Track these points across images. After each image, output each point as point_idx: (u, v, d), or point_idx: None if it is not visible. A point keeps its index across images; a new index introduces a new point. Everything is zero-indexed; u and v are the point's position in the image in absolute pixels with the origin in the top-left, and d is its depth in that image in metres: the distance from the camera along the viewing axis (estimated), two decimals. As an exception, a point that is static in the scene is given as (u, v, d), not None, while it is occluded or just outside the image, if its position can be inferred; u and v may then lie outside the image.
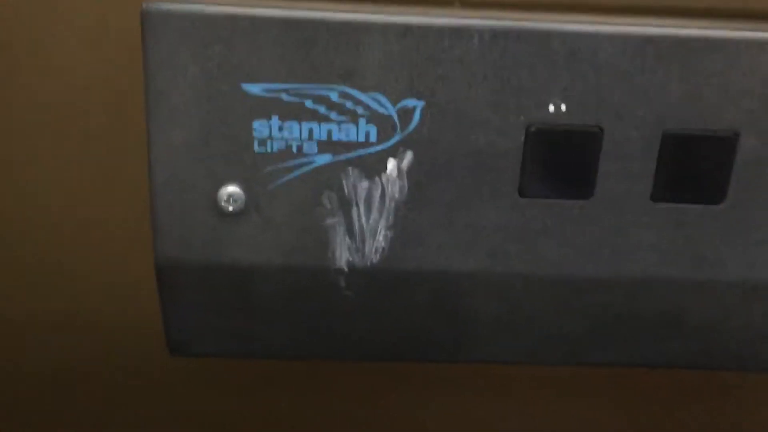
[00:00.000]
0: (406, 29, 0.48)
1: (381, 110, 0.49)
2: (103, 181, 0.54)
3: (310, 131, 0.49)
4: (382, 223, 0.51)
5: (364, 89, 0.49)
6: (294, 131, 0.49)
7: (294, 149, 0.49)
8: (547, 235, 0.51)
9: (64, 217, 0.56)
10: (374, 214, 0.50)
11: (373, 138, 0.49)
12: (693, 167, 0.50)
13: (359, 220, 0.51)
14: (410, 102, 0.49)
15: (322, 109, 0.49)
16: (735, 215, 0.51)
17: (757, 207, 0.51)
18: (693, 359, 0.56)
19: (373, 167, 0.50)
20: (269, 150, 0.49)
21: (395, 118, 0.49)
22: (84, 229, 0.57)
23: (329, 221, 0.51)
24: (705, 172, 0.51)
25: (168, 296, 0.52)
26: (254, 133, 0.49)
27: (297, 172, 0.50)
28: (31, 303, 0.61)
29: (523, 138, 0.50)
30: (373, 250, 0.51)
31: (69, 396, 0.69)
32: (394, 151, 0.49)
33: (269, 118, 0.49)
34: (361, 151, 0.50)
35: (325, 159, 0.50)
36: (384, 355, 0.55)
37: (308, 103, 0.49)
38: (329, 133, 0.49)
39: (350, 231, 0.51)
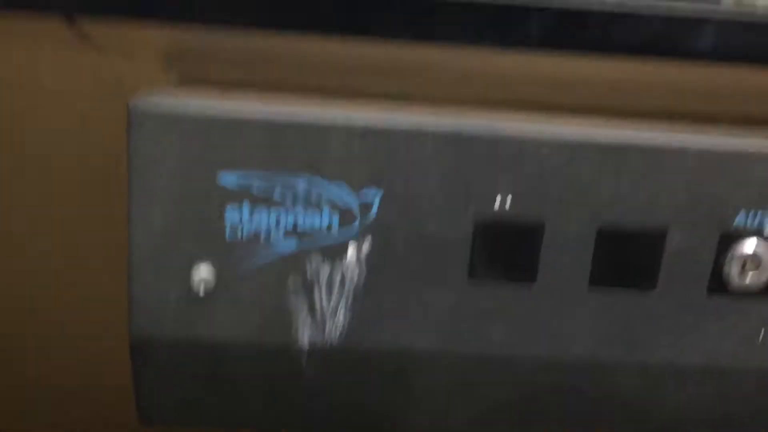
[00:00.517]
0: (366, 131, 0.53)
1: (343, 200, 0.54)
2: (84, 257, 0.59)
3: (278, 219, 0.54)
4: (342, 305, 0.55)
5: (328, 181, 0.53)
6: (263, 219, 0.54)
7: (262, 236, 0.54)
8: (493, 317, 0.56)
9: (47, 291, 0.61)
10: (335, 297, 0.55)
11: (335, 225, 0.54)
12: (626, 258, 0.55)
13: (321, 302, 0.55)
14: (370, 193, 0.54)
15: (288, 199, 0.54)
16: (665, 302, 0.56)
17: (685, 294, 0.55)
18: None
19: (334, 253, 0.55)
20: (239, 236, 0.54)
21: (356, 207, 0.54)
22: (65, 304, 0.62)
23: (293, 303, 0.55)
24: (637, 262, 0.55)
25: (141, 370, 0.56)
26: (226, 220, 0.54)
27: (264, 257, 0.54)
28: (8, 368, 0.65)
29: (472, 228, 0.54)
30: (333, 329, 0.56)
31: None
32: (354, 238, 0.54)
33: (240, 206, 0.54)
34: (324, 238, 0.55)
35: (290, 245, 0.55)
36: (344, 428, 0.59)
37: (276, 193, 0.54)
38: (295, 220, 0.54)
39: (312, 312, 0.55)
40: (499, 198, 0.55)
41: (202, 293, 0.55)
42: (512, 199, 0.54)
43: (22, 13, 0.55)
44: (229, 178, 0.54)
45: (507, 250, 0.56)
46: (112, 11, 0.55)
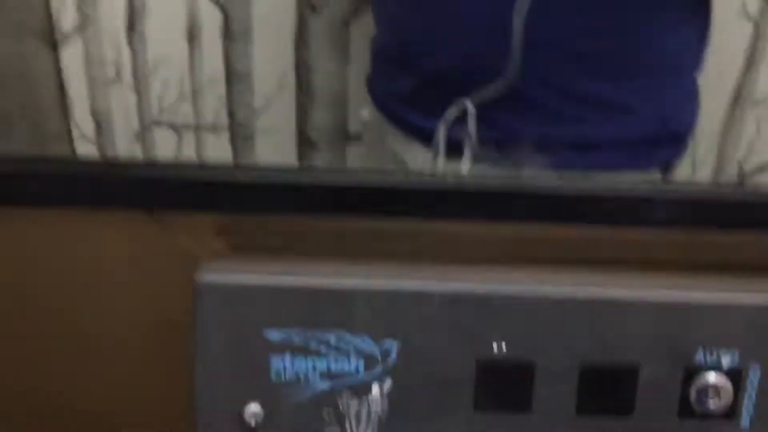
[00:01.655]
0: (383, 293, 0.65)
1: (367, 349, 0.66)
2: (156, 402, 0.73)
3: (314, 365, 0.67)
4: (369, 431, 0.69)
5: (354, 333, 0.66)
6: (302, 365, 0.67)
7: (302, 378, 0.67)
8: None
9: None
10: (362, 425, 0.68)
11: (361, 369, 0.67)
12: (606, 390, 0.68)
13: (351, 429, 0.69)
14: (388, 343, 0.66)
15: (323, 349, 0.66)
16: (641, 426, 0.68)
17: (657, 419, 0.68)
18: None
19: (361, 390, 0.67)
20: (283, 379, 0.67)
21: (378, 354, 0.67)
22: None
23: (328, 430, 0.69)
24: (615, 394, 0.68)
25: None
26: (272, 367, 0.67)
27: (304, 395, 0.67)
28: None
29: (475, 370, 0.67)
30: None
31: None
32: (377, 379, 0.67)
33: (283, 356, 0.67)
34: (352, 379, 0.67)
35: (324, 385, 0.67)
36: None
37: (312, 344, 0.66)
38: (328, 365, 0.67)
39: None
40: (495, 344, 0.66)
41: (253, 425, 0.67)
42: (507, 345, 0.65)
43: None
44: (273, 334, 0.65)
45: (505, 387, 0.67)
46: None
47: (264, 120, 1.65)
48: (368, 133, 1.35)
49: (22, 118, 1.58)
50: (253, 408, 0.66)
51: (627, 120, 1.10)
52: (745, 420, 0.67)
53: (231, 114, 1.65)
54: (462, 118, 1.08)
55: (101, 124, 1.65)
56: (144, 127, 1.65)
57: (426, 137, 1.12)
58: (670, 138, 1.12)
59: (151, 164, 0.77)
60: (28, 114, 1.58)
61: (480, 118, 1.06)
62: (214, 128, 1.64)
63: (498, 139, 1.06)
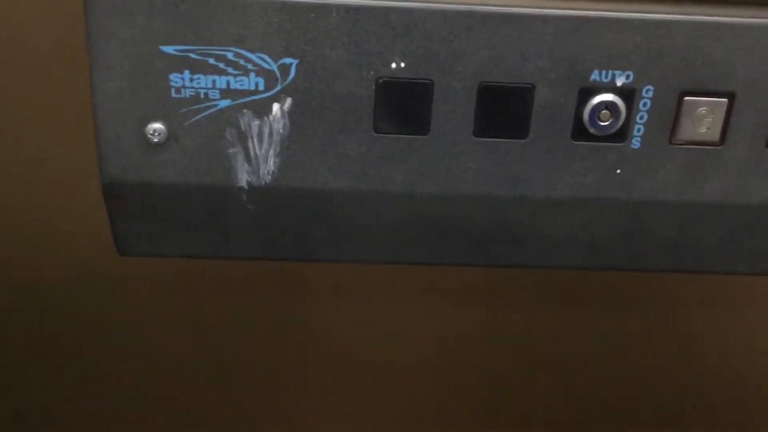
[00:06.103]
0: (282, 5, 0.64)
1: (266, 66, 0.67)
2: (61, 120, 0.74)
3: (214, 82, 0.67)
4: (271, 152, 0.69)
5: (252, 50, 0.66)
6: (201, 82, 0.67)
7: (202, 95, 0.67)
8: (396, 162, 0.69)
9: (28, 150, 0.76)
10: (265, 145, 0.69)
11: (261, 87, 0.67)
12: (503, 111, 0.68)
13: (254, 149, 0.69)
14: (287, 60, 0.66)
15: (221, 65, 0.66)
16: (536, 147, 0.69)
17: (552, 140, 0.69)
18: (515, 259, 0.75)
19: (262, 109, 0.67)
20: (183, 96, 0.67)
21: (277, 72, 0.67)
22: (45, 161, 0.77)
23: (231, 150, 0.69)
24: (512, 114, 0.68)
25: (113, 209, 0.71)
26: (171, 83, 0.67)
27: (205, 113, 0.68)
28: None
29: (374, 88, 0.67)
30: (266, 172, 0.70)
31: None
32: (278, 98, 0.67)
33: (182, 72, 0.67)
34: (253, 98, 0.67)
35: (225, 103, 0.68)
36: (279, 255, 0.75)
37: (211, 61, 0.66)
38: (228, 83, 0.67)
39: (248, 158, 0.69)
40: (394, 63, 0.66)
41: (155, 141, 0.68)
42: (406, 63, 0.66)
43: None
44: (170, 49, 0.65)
45: (403, 106, 0.68)
46: None
47: None
48: None
49: None
50: (156, 126, 0.65)
51: None
52: (635, 141, 0.67)
53: None
54: None
55: None
56: None
57: None
58: None
59: None
60: None
61: None
62: None
63: None
